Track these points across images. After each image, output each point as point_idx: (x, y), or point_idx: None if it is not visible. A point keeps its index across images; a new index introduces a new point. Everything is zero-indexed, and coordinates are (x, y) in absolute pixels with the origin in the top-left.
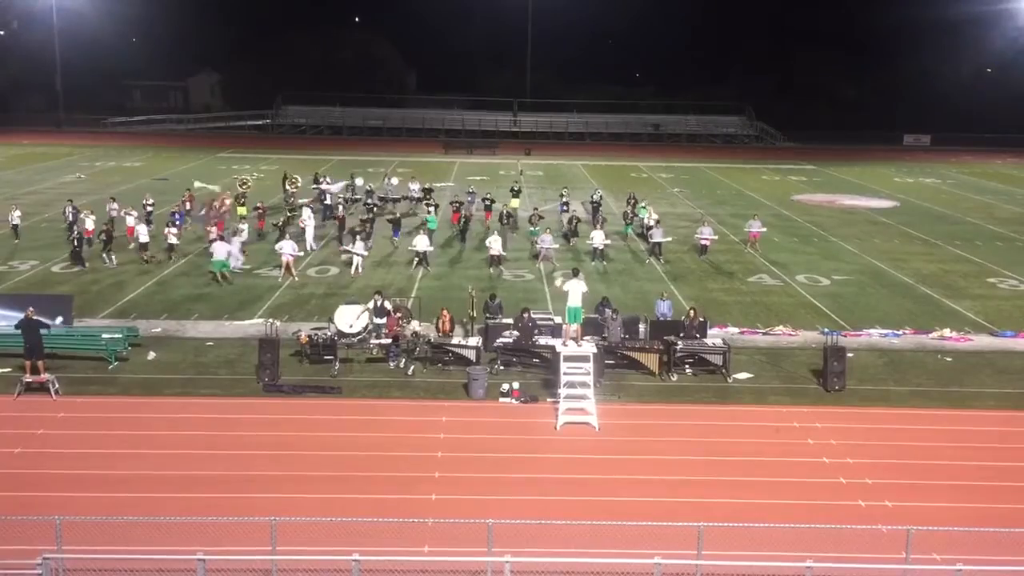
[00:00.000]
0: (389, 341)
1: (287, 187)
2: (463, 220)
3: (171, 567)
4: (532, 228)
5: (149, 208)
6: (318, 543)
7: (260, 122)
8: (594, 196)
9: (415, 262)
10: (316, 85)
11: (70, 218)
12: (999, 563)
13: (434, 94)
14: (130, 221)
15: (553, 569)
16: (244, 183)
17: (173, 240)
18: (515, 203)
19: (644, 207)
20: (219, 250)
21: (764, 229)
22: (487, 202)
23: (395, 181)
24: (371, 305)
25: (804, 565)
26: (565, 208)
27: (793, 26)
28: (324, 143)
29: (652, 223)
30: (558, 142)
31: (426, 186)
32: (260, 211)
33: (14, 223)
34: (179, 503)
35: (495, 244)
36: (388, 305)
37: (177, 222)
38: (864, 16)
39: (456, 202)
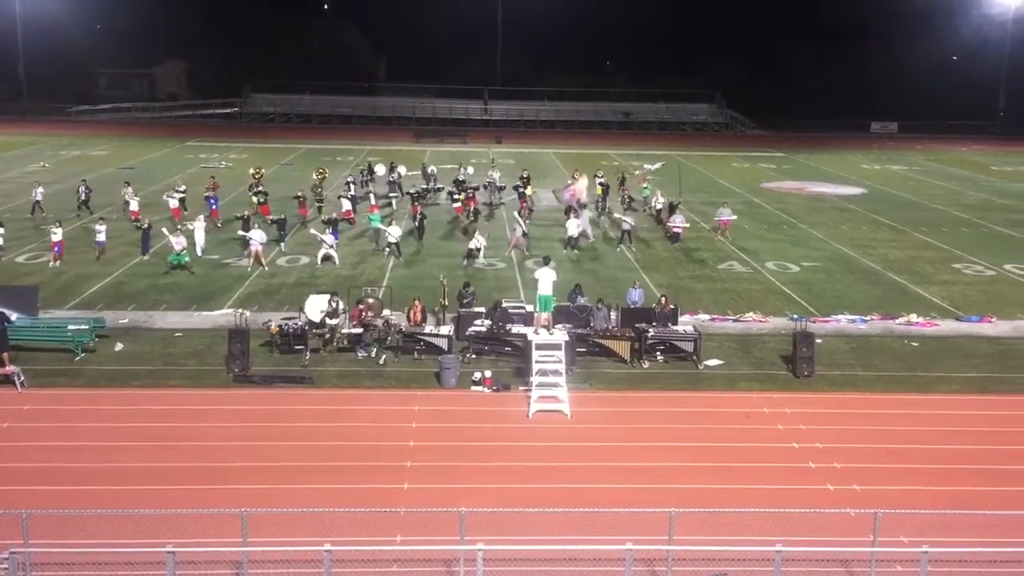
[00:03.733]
0: (360, 331)
1: (314, 177)
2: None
3: (140, 560)
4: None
5: (182, 195)
6: (290, 534)
7: (228, 110)
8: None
9: (387, 251)
10: (285, 73)
11: (83, 196)
12: (965, 545)
13: (404, 82)
14: (134, 205)
15: (526, 556)
16: (257, 172)
17: None
18: (528, 190)
19: (647, 188)
20: (177, 243)
21: (734, 217)
22: (520, 191)
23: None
24: (327, 307)
25: (774, 549)
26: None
27: (764, 14)
28: (293, 132)
29: (660, 205)
30: (529, 130)
31: (459, 178)
32: (300, 199)
33: (37, 199)
34: (148, 495)
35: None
36: (342, 306)
37: (213, 206)
38: (834, 4)
39: (472, 188)
